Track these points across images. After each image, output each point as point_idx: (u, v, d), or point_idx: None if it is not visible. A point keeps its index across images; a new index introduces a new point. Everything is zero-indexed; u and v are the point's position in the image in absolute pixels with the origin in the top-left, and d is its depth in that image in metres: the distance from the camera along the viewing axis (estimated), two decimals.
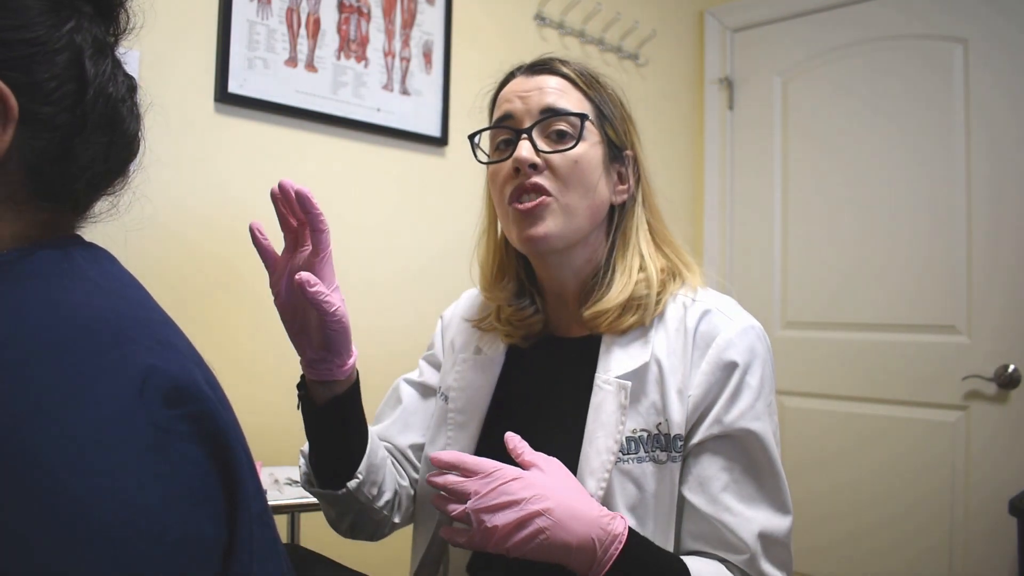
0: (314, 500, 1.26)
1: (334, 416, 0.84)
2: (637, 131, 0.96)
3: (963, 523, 2.05)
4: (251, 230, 0.79)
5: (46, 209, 0.54)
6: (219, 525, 0.49)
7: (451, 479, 0.73)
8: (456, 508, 0.72)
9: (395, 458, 1.00)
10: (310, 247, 0.78)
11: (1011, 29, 2.05)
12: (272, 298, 0.82)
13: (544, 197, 0.85)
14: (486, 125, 0.95)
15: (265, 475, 1.40)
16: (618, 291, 0.87)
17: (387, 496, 0.92)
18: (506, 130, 0.89)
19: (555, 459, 0.79)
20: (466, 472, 0.73)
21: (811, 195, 2.40)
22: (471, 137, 0.95)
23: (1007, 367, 2.00)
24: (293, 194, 0.75)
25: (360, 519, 0.93)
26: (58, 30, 0.51)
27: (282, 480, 1.39)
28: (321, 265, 0.77)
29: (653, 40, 2.41)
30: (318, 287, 0.74)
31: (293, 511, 1.38)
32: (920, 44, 2.20)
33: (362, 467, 0.87)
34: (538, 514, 0.70)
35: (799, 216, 2.42)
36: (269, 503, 0.57)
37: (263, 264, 0.81)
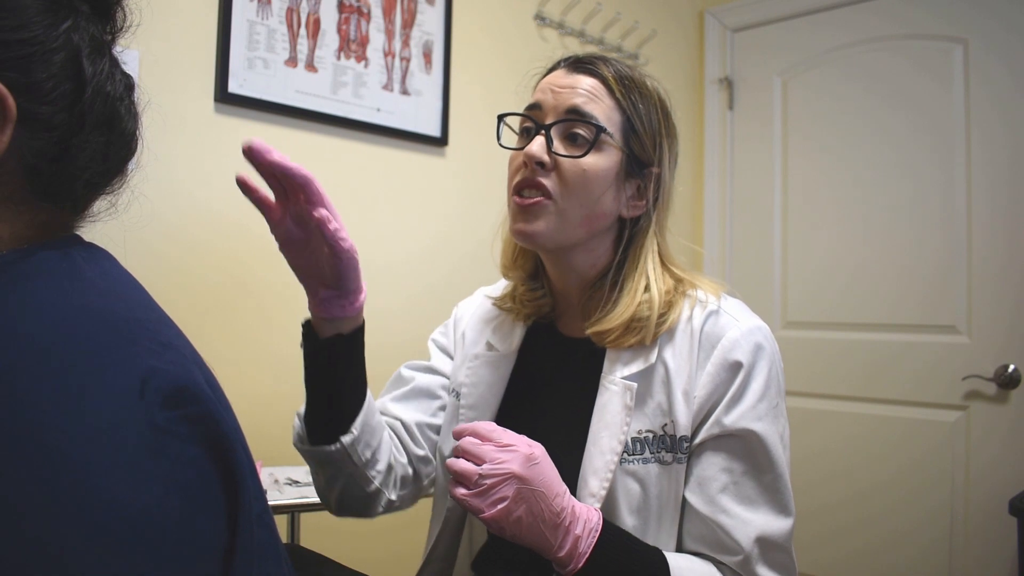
0: (314, 500, 1.27)
1: (336, 355, 0.83)
2: (675, 150, 0.93)
3: (963, 523, 2.05)
4: (240, 182, 0.77)
5: (45, 209, 0.54)
6: (219, 526, 0.49)
7: (467, 441, 0.76)
8: (460, 491, 0.73)
9: (398, 433, 0.98)
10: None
11: (1011, 29, 2.05)
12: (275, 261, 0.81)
13: (543, 198, 0.85)
14: (527, 104, 0.94)
15: (265, 475, 1.40)
16: (621, 311, 0.86)
17: (381, 465, 0.90)
18: (530, 120, 0.90)
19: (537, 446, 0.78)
20: (481, 438, 0.76)
21: (811, 195, 2.39)
22: (500, 117, 0.95)
23: (1007, 367, 2.00)
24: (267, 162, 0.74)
25: (351, 486, 0.90)
26: (55, 29, 0.51)
27: (282, 480, 1.39)
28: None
29: (653, 40, 2.41)
30: (337, 227, 0.75)
31: (293, 511, 1.38)
32: (920, 44, 2.20)
33: (357, 423, 0.85)
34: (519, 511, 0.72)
35: (799, 216, 2.42)
36: (269, 503, 0.57)
37: (261, 214, 0.79)
